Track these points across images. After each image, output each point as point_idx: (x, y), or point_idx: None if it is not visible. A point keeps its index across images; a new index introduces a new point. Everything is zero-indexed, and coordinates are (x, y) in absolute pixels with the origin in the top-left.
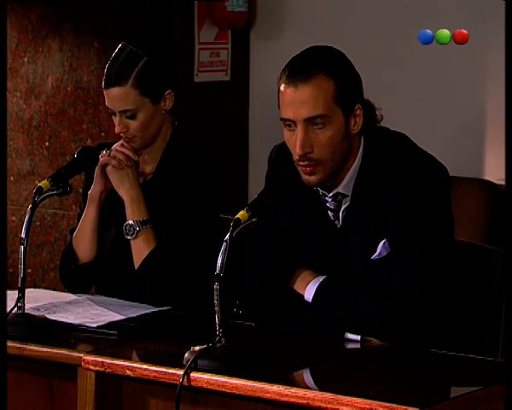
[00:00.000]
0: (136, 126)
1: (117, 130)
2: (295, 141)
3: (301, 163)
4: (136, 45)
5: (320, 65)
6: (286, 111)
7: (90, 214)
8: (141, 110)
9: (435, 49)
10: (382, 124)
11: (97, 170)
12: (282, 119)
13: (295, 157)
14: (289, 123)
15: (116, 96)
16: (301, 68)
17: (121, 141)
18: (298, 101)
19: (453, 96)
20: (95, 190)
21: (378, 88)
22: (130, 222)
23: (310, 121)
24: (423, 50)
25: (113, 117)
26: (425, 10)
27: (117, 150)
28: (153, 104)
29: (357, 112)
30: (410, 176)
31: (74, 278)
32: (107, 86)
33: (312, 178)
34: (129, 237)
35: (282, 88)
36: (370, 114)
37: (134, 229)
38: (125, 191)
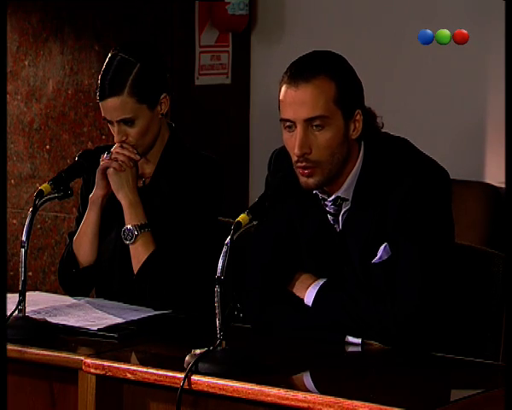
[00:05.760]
0: (136, 134)
1: (116, 139)
2: (294, 142)
3: (299, 164)
4: (126, 53)
5: (322, 67)
6: (286, 111)
7: (91, 218)
8: (139, 117)
9: (435, 49)
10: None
11: (98, 174)
12: (281, 119)
13: (294, 158)
14: (289, 124)
15: (113, 107)
16: (303, 69)
17: (120, 142)
18: (298, 101)
19: (453, 98)
20: (96, 193)
21: (378, 89)
22: (129, 227)
23: (309, 122)
24: (423, 50)
25: (110, 126)
26: (425, 10)
27: (117, 152)
28: (150, 110)
29: (357, 117)
30: (410, 180)
31: (74, 282)
32: (103, 98)
33: (310, 181)
34: (127, 242)
35: (283, 89)
36: (371, 121)
37: (132, 233)
38: (124, 195)
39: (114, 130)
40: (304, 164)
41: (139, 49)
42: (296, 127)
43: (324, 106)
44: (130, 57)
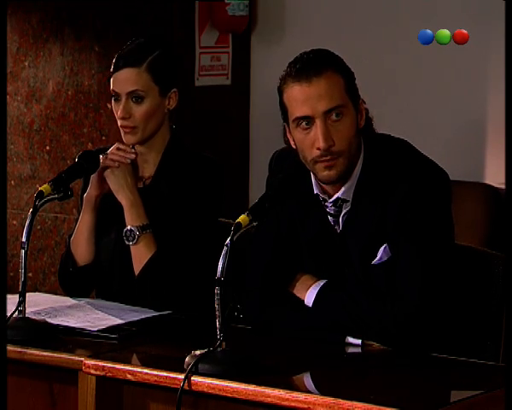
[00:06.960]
0: (141, 113)
1: (120, 114)
2: (314, 138)
3: (324, 158)
4: (149, 38)
5: (327, 61)
6: (301, 108)
7: (85, 217)
8: (149, 96)
9: (435, 49)
10: (381, 126)
11: (96, 173)
12: (296, 118)
13: (315, 154)
14: (306, 121)
15: (127, 78)
16: (311, 65)
17: (116, 144)
18: (314, 95)
19: (453, 98)
20: (90, 193)
21: (378, 89)
22: (130, 228)
23: (328, 114)
24: (423, 50)
25: (114, 105)
26: (425, 10)
27: (113, 153)
28: (160, 96)
29: (361, 107)
30: (410, 181)
31: (73, 281)
32: (118, 68)
33: (332, 172)
34: (129, 243)
35: (289, 87)
36: (368, 118)
37: (134, 234)
38: (124, 196)
39: (120, 106)
40: (328, 157)
41: (161, 40)
42: (314, 122)
43: (340, 96)
44: (152, 42)
